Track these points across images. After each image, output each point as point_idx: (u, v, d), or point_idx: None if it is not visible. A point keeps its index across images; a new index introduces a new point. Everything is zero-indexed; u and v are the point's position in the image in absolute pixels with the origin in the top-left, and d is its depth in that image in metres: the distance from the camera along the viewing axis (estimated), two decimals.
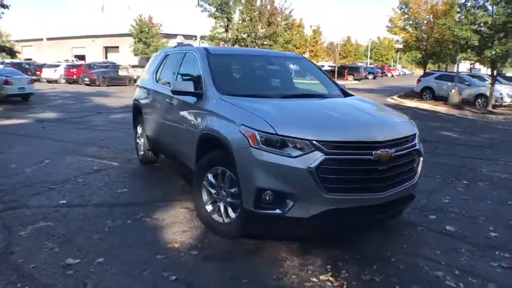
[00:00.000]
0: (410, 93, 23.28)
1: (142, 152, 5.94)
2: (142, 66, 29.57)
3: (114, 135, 8.25)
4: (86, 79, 24.88)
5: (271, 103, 3.52)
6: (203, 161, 3.57)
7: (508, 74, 33.46)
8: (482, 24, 15.94)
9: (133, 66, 29.89)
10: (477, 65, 35.18)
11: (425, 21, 27.55)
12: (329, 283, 2.81)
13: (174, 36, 42.79)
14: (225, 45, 27.63)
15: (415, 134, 3.47)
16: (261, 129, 2.96)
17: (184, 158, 4.14)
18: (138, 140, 6.12)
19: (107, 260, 2.98)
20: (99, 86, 24.49)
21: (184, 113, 4.11)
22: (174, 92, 3.97)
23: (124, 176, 5.34)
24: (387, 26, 31.14)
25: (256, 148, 2.95)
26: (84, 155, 6.39)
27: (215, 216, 3.51)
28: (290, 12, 32.90)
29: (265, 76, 4.64)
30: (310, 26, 52.75)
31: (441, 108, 17.24)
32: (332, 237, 3.50)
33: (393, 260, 3.21)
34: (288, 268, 3.00)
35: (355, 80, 40.53)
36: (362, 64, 60.99)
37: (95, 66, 26.97)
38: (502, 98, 18.40)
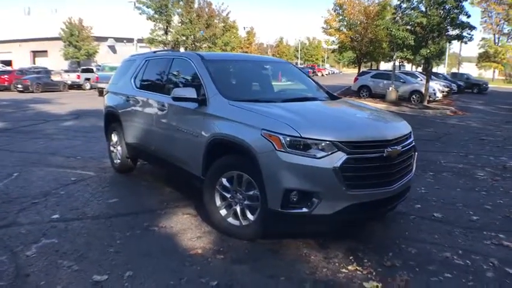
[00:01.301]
0: (347, 92, 24.55)
1: (118, 160, 5.72)
2: (75, 71, 28.07)
3: (74, 144, 7.80)
4: (19, 85, 22.94)
5: (282, 107, 3.64)
6: (216, 165, 3.57)
7: (433, 70, 36.68)
8: (416, 25, 17.34)
9: (66, 71, 28.22)
10: (397, 63, 37.96)
11: (359, 22, 29.15)
12: (359, 272, 3.01)
13: (106, 39, 41.14)
14: (165, 48, 27.07)
15: (410, 132, 3.80)
16: (286, 133, 3.06)
17: (185, 164, 4.09)
18: (112, 148, 5.88)
19: (136, 272, 2.89)
20: (33, 92, 22.71)
21: (183, 119, 4.06)
22: (175, 98, 3.91)
23: (106, 186, 5.12)
24: (322, 27, 32.59)
25: (282, 151, 3.04)
26: (53, 166, 5.99)
27: (230, 220, 3.54)
28: (227, 15, 33.12)
29: (261, 81, 4.73)
30: (244, 27, 53.48)
31: (380, 105, 18.41)
32: (340, 232, 3.70)
33: (403, 246, 3.49)
34: (315, 263, 3.14)
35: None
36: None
37: (27, 72, 24.95)
38: (435, 94, 20.20)
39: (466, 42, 17.17)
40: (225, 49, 31.12)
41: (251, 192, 3.37)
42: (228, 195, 3.54)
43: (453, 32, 17.37)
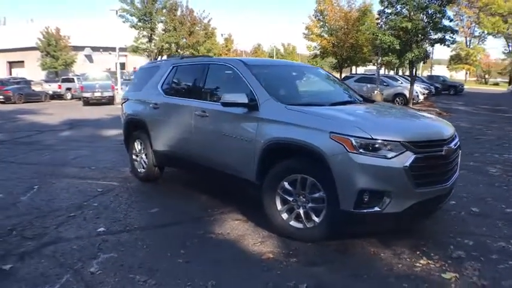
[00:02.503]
0: None
1: (143, 170, 5.59)
2: (56, 81, 27.23)
3: (81, 154, 7.56)
4: (0, 96, 22.06)
5: (338, 110, 3.69)
6: (277, 169, 3.55)
7: (407, 73, 37.74)
8: (401, 29, 17.85)
9: (46, 81, 27.42)
10: (371, 67, 38.94)
11: (340, 28, 29.71)
12: (432, 265, 3.08)
13: (83, 48, 40.22)
14: (150, 56, 26.75)
15: (455, 131, 3.90)
16: (357, 135, 3.10)
17: (233, 169, 4.03)
18: (135, 157, 5.74)
19: (218, 282, 2.82)
20: (15, 103, 21.89)
21: (231, 125, 4.02)
22: (225, 104, 3.88)
23: (138, 195, 5.00)
24: (304, 33, 33.08)
25: (354, 153, 3.07)
26: (70, 177, 5.79)
27: (293, 223, 3.52)
28: (209, 21, 33.11)
29: (305, 85, 4.74)
30: (222, 34, 53.52)
31: None
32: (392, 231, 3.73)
33: (459, 239, 3.59)
34: (388, 260, 3.18)
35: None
36: None
37: (7, 83, 24.05)
38: (417, 96, 20.79)
39: (448, 46, 17.81)
40: (207, 56, 31.11)
41: (316, 195, 3.36)
42: (290, 199, 3.51)
43: (436, 36, 17.97)
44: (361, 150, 3.08)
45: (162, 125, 5.11)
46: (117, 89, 21.00)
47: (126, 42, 26.50)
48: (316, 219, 3.39)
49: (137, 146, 5.70)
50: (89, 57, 41.35)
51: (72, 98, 24.68)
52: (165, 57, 27.52)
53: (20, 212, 4.30)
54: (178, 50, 29.40)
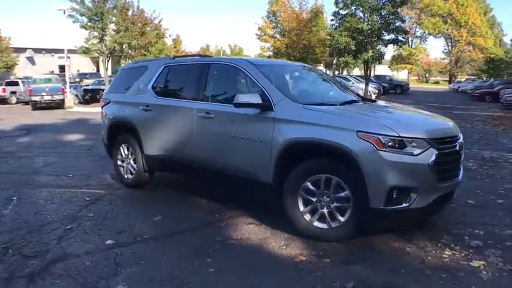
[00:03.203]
0: None
1: (131, 176, 5.29)
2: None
3: (51, 161, 7.00)
4: None
5: (358, 109, 3.74)
6: (299, 170, 3.50)
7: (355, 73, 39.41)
8: (356, 30, 18.55)
9: None
10: (321, 68, 40.29)
11: (293, 29, 30.20)
12: (457, 255, 3.22)
13: (24, 50, 37.53)
14: (101, 57, 25.53)
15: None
16: (385, 133, 3.14)
17: (246, 172, 3.90)
18: (121, 163, 5.41)
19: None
20: None
21: (243, 126, 3.90)
22: (238, 104, 3.75)
23: (133, 203, 4.73)
24: (256, 34, 33.31)
25: (383, 151, 3.11)
26: (49, 186, 5.36)
27: (316, 224, 3.49)
28: (159, 22, 32.28)
29: (308, 84, 4.71)
30: (169, 35, 52.50)
31: None
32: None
33: (469, 229, 3.77)
34: (415, 253, 3.26)
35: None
36: None
37: None
38: (371, 96, 21.65)
39: (400, 46, 18.77)
40: (159, 57, 30.39)
41: (342, 194, 3.35)
42: (314, 199, 3.47)
43: (389, 37, 18.88)
44: (389, 148, 3.12)
45: (155, 128, 4.85)
46: (66, 92, 19.76)
47: (73, 43, 25.07)
48: (342, 219, 3.39)
49: (123, 151, 5.37)
50: (31, 60, 38.77)
51: (17, 102, 22.83)
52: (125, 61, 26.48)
53: (8, 228, 3.88)
54: (130, 51, 28.41)
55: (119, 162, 5.46)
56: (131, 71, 5.63)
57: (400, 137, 3.15)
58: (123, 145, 5.36)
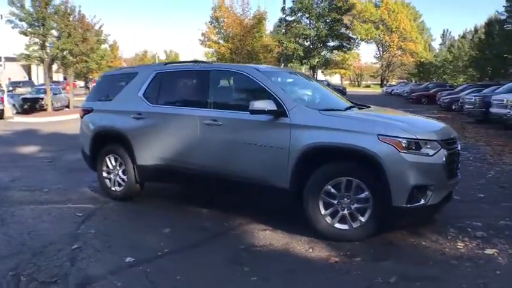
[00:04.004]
0: None
1: (118, 188, 5.05)
2: None
3: (15, 176, 6.36)
4: None
5: (370, 114, 3.97)
6: (320, 174, 3.61)
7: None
8: (303, 37, 19.26)
9: None
10: None
11: (236, 35, 30.44)
12: (470, 245, 3.52)
13: None
14: (41, 65, 23.73)
15: None
16: (404, 136, 3.39)
17: (260, 178, 3.92)
18: (106, 175, 5.13)
19: None
20: None
21: (257, 133, 3.94)
22: (253, 111, 3.79)
23: (130, 216, 4.57)
24: (200, 40, 33.14)
25: (405, 153, 3.34)
26: (29, 203, 4.95)
27: (337, 225, 3.62)
28: (100, 27, 30.84)
29: (314, 90, 4.85)
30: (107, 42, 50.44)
31: None
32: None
33: (468, 222, 4.06)
34: (433, 247, 3.52)
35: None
36: None
37: None
38: None
39: (345, 52, 19.79)
40: (100, 63, 29.05)
41: (362, 195, 3.52)
42: (335, 202, 3.60)
43: (334, 43, 19.86)
44: (408, 150, 3.36)
45: (149, 136, 4.68)
46: (4, 102, 18.04)
47: (10, 50, 23.07)
48: (362, 219, 3.55)
49: (110, 162, 5.09)
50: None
51: None
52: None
53: (6, 252, 3.51)
54: (71, 58, 26.75)
55: (105, 174, 5.16)
56: (115, 78, 5.39)
57: (417, 139, 3.40)
58: (109, 156, 5.08)
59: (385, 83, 62.38)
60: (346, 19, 57.21)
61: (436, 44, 70.41)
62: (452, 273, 3.00)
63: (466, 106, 15.33)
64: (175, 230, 4.03)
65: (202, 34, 32.48)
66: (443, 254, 3.35)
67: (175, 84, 4.72)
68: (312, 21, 19.05)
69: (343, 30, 19.39)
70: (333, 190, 3.59)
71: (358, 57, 60.27)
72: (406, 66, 60.43)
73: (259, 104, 3.78)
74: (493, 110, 12.24)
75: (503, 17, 27.83)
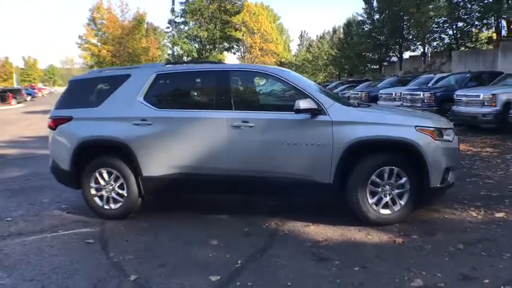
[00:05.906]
0: None
1: (115, 205, 4.50)
2: None
3: None
4: None
5: (391, 109, 4.42)
6: (367, 166, 3.92)
7: None
8: (196, 38, 19.33)
9: None
10: None
11: (117, 37, 28.52)
12: (482, 213, 4.23)
13: None
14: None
15: None
16: (435, 126, 3.98)
17: (302, 175, 4.04)
18: (96, 192, 4.49)
19: (409, 274, 3.02)
20: None
21: (297, 132, 4.04)
22: (298, 110, 3.90)
23: (152, 233, 4.09)
24: (77, 43, 30.05)
25: (438, 140, 3.94)
26: (17, 234, 4.09)
27: (382, 211, 3.99)
28: None
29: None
30: None
31: None
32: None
33: (461, 196, 4.77)
34: (457, 217, 4.18)
35: (18, 103, 34.80)
36: (21, 86, 54.71)
37: None
38: None
39: (234, 53, 20.63)
40: None
41: (402, 181, 3.95)
42: (379, 189, 3.96)
43: (224, 45, 20.48)
44: (440, 138, 3.94)
45: (160, 144, 4.29)
46: None
47: None
48: (402, 202, 3.99)
49: (101, 177, 4.47)
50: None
51: None
52: None
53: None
54: None
55: (93, 192, 4.50)
56: (94, 82, 4.73)
57: (442, 128, 4.03)
58: (101, 169, 4.46)
59: None
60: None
61: (293, 45, 75.76)
62: (491, 234, 3.67)
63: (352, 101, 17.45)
64: (220, 241, 3.80)
65: (80, 37, 29.63)
66: (470, 222, 4.01)
67: (186, 86, 4.44)
68: (204, 23, 19.22)
69: (232, 32, 20.06)
70: (377, 180, 3.94)
71: (223, 57, 62.24)
72: (268, 65, 64.60)
73: (304, 104, 3.88)
74: (382, 103, 14.26)
75: (361, 18, 32.05)
